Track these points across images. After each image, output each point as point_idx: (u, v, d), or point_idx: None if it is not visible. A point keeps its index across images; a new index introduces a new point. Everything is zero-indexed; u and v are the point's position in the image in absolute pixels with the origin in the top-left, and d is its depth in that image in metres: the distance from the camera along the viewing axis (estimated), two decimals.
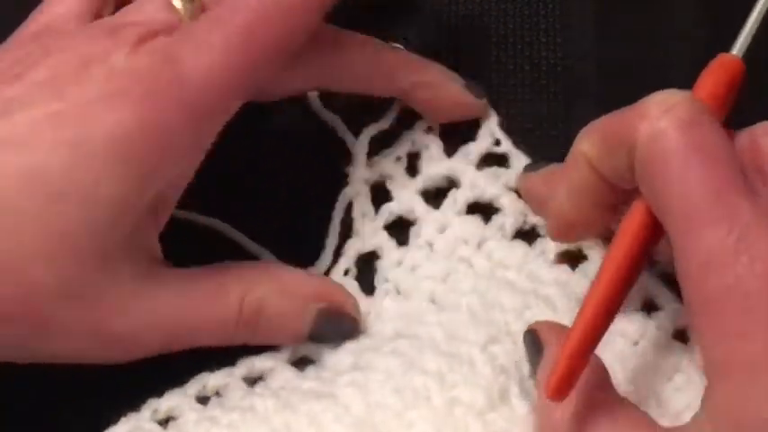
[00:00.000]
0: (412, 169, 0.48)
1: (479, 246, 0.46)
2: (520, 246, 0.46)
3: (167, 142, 0.40)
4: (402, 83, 0.46)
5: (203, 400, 0.43)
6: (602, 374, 0.39)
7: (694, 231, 0.35)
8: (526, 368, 0.41)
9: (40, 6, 0.44)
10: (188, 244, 0.46)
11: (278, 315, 0.43)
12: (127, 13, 0.43)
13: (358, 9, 0.50)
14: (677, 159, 0.36)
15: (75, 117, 0.39)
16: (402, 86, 0.46)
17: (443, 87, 0.47)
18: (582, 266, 0.45)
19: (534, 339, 0.40)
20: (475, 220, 0.46)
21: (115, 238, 0.40)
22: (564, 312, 0.43)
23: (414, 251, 0.46)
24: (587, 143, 0.39)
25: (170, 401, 0.42)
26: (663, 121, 0.36)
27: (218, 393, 0.43)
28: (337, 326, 0.44)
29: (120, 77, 0.39)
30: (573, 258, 0.45)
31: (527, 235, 0.46)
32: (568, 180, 0.41)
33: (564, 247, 0.45)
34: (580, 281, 0.44)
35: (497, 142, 0.48)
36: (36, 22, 0.44)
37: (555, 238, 0.44)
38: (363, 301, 0.46)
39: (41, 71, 0.40)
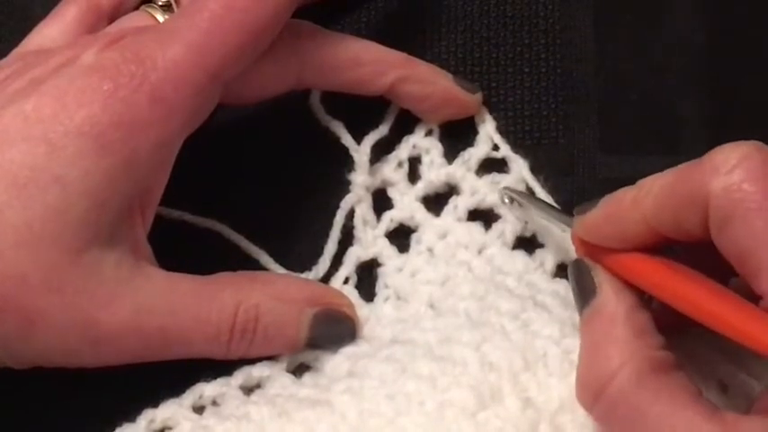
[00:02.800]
0: (413, 174, 0.48)
1: (480, 251, 0.46)
2: (520, 256, 0.46)
3: (137, 135, 0.40)
4: (389, 77, 0.46)
5: (199, 409, 0.43)
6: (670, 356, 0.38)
7: None
8: (519, 364, 0.41)
9: (35, 28, 0.46)
10: (187, 245, 0.46)
11: (275, 322, 0.43)
12: (111, 28, 0.45)
13: (350, 10, 0.50)
14: (759, 214, 0.35)
15: (46, 113, 0.40)
16: (389, 81, 0.46)
17: (432, 81, 0.47)
18: None
19: (587, 278, 0.40)
20: (476, 227, 0.47)
21: (94, 230, 0.40)
22: (560, 318, 0.43)
23: (414, 257, 0.46)
24: (648, 206, 0.38)
25: (166, 412, 0.42)
26: (735, 175, 0.35)
27: (214, 403, 0.43)
28: (334, 328, 0.45)
29: (89, 74, 0.41)
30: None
31: (527, 243, 0.47)
32: (617, 225, 0.39)
33: (561, 257, 0.46)
34: None
35: (496, 147, 0.48)
36: (29, 43, 0.46)
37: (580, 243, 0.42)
38: (363, 308, 0.46)
39: (22, 81, 0.41)
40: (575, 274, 0.41)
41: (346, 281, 0.46)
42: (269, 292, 0.43)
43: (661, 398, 0.36)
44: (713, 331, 0.36)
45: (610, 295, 0.39)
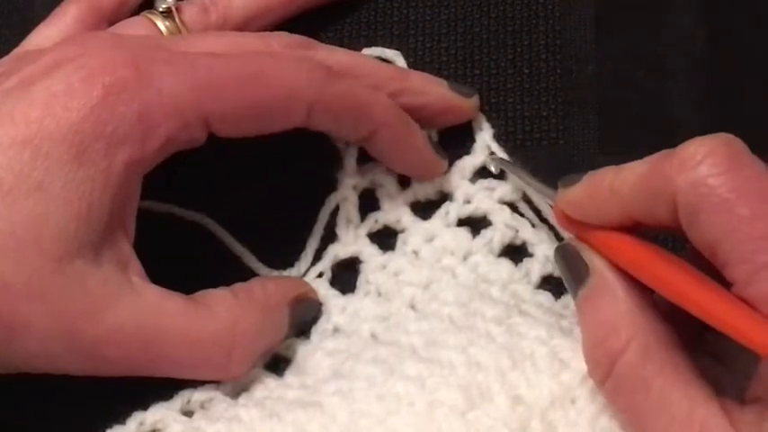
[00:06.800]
0: (405, 178, 0.47)
1: (465, 258, 0.46)
2: (505, 264, 0.46)
3: (114, 149, 0.40)
4: (383, 91, 0.45)
5: (188, 414, 0.43)
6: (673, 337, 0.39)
7: (755, 274, 0.35)
8: (506, 364, 0.41)
9: (34, 29, 0.46)
10: (173, 239, 0.46)
11: (260, 332, 0.44)
12: (111, 30, 0.45)
13: (351, 12, 0.50)
14: (724, 208, 0.35)
15: (33, 117, 0.39)
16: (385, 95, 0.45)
17: (428, 92, 0.47)
18: (566, 297, 0.45)
19: (577, 259, 0.40)
20: (463, 233, 0.47)
21: (77, 243, 0.39)
22: (547, 322, 0.43)
23: (398, 257, 0.46)
24: (624, 194, 0.38)
25: (155, 414, 0.42)
26: (701, 170, 0.36)
27: (202, 407, 0.43)
28: (306, 315, 0.45)
29: (84, 76, 0.40)
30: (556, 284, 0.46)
31: (515, 251, 0.47)
32: (596, 205, 0.40)
33: (548, 270, 0.46)
34: (562, 311, 0.45)
35: (492, 155, 0.48)
36: (28, 43, 0.46)
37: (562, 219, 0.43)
38: (339, 299, 0.46)
39: (12, 81, 0.41)
40: (563, 257, 0.41)
41: (320, 275, 0.47)
42: (253, 307, 0.43)
43: (665, 371, 0.37)
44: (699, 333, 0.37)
45: (606, 272, 0.39)
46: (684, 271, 0.37)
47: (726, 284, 0.36)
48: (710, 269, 0.37)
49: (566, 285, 0.41)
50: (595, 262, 0.40)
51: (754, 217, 0.35)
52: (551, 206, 0.43)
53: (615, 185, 0.38)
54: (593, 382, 0.40)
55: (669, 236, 0.43)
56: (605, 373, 0.38)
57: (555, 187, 0.42)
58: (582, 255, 0.40)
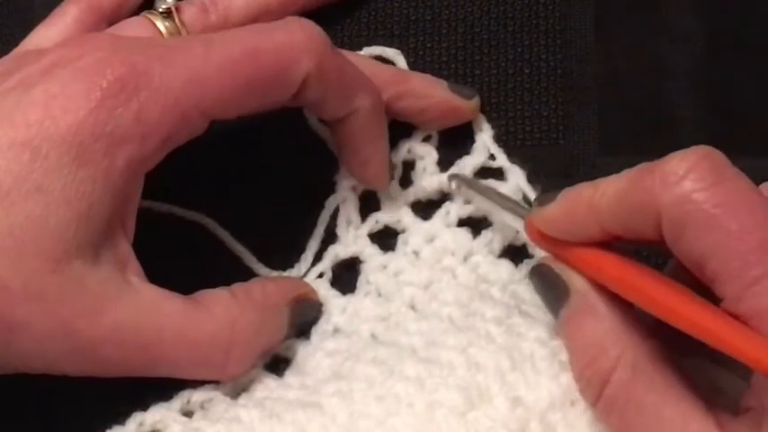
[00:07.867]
0: (406, 178, 0.48)
1: (465, 258, 0.46)
2: (506, 265, 0.46)
3: (114, 149, 0.40)
4: (383, 95, 0.45)
5: (187, 414, 0.43)
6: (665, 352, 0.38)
7: (746, 289, 0.35)
8: (506, 365, 0.41)
9: (34, 29, 0.46)
10: (173, 240, 0.46)
11: (260, 332, 0.43)
12: (110, 30, 0.45)
13: (351, 12, 0.50)
14: (712, 223, 0.35)
15: (33, 119, 0.39)
16: (384, 99, 0.45)
17: (429, 95, 0.47)
18: None
19: (556, 278, 0.40)
20: (464, 233, 0.46)
21: (76, 243, 0.39)
22: (547, 323, 0.43)
23: (399, 257, 0.46)
24: (603, 211, 0.38)
25: (155, 415, 0.42)
26: (685, 186, 0.35)
27: (202, 407, 0.43)
28: (306, 315, 0.45)
29: (82, 78, 0.40)
30: None
31: (515, 252, 0.46)
32: (574, 223, 0.40)
33: None
34: None
35: (492, 156, 0.48)
36: (28, 44, 0.46)
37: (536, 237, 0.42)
38: (340, 300, 0.46)
39: (11, 81, 0.41)
40: (540, 278, 0.41)
41: (321, 275, 0.47)
42: (251, 307, 0.43)
43: (656, 387, 0.37)
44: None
45: (587, 291, 0.39)
46: (669, 286, 0.37)
47: (710, 299, 0.36)
48: (693, 283, 0.37)
49: (545, 306, 0.41)
50: (575, 281, 0.39)
51: (742, 231, 0.35)
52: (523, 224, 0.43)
53: (594, 201, 0.38)
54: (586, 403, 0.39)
55: (642, 249, 0.42)
56: (597, 393, 0.38)
57: (520, 204, 0.42)
58: (560, 274, 0.40)
